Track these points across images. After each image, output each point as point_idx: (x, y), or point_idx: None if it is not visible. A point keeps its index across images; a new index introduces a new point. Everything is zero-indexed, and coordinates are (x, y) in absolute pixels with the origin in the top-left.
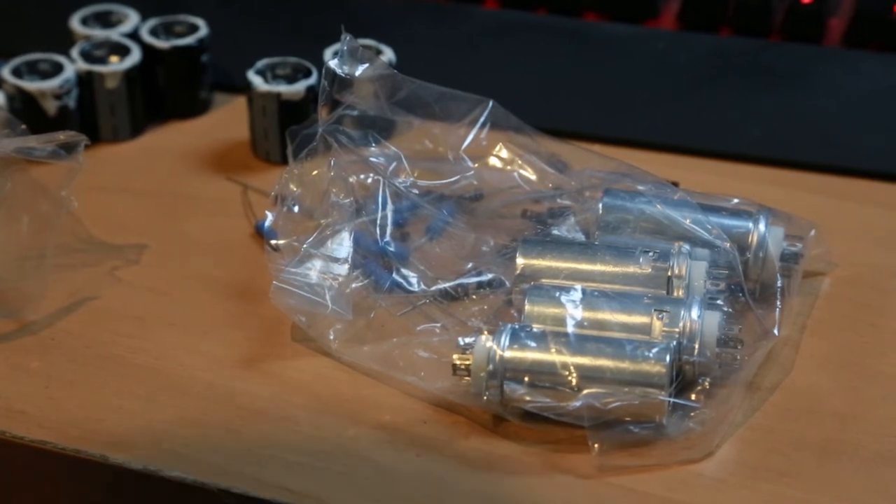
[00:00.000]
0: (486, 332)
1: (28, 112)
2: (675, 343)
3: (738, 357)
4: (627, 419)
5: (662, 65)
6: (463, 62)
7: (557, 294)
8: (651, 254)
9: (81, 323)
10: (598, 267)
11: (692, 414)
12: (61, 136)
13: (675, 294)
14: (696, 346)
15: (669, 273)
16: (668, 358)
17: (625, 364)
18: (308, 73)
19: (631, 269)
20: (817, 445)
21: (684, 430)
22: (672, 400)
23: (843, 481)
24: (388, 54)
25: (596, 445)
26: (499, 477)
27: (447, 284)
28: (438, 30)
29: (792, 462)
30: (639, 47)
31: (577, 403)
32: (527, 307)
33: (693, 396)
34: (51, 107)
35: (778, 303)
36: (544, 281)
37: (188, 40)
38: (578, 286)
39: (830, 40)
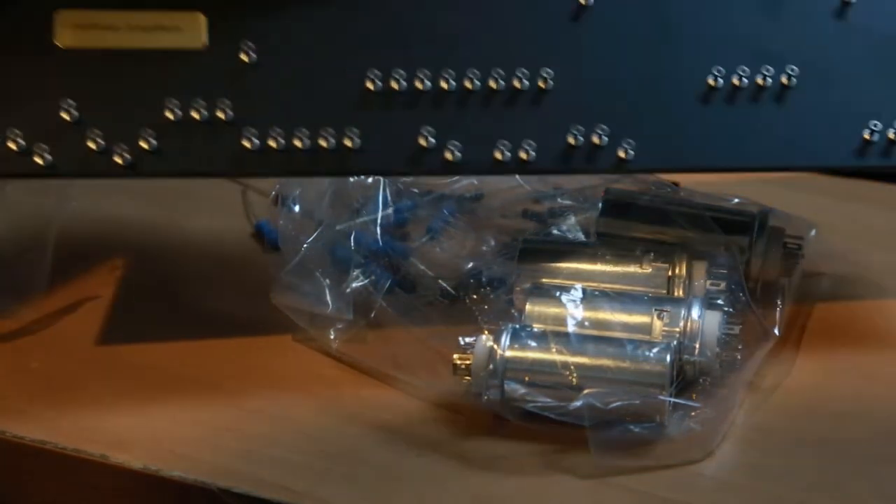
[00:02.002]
0: (486, 332)
1: None
2: (675, 343)
3: (739, 357)
4: (628, 419)
5: None
6: None
7: (558, 294)
8: (651, 254)
9: (81, 323)
10: (599, 267)
11: (692, 414)
12: None
13: (676, 294)
14: (697, 345)
15: (670, 273)
16: (668, 358)
17: (625, 364)
18: None
19: (631, 268)
20: (817, 445)
21: (685, 430)
22: (672, 400)
23: (843, 481)
24: None
25: (596, 445)
26: (499, 477)
27: (448, 284)
28: None
29: (792, 462)
30: None
31: (578, 403)
32: (527, 307)
33: (693, 396)
34: None
35: (778, 302)
36: (545, 280)
37: None
38: (579, 286)
39: None
